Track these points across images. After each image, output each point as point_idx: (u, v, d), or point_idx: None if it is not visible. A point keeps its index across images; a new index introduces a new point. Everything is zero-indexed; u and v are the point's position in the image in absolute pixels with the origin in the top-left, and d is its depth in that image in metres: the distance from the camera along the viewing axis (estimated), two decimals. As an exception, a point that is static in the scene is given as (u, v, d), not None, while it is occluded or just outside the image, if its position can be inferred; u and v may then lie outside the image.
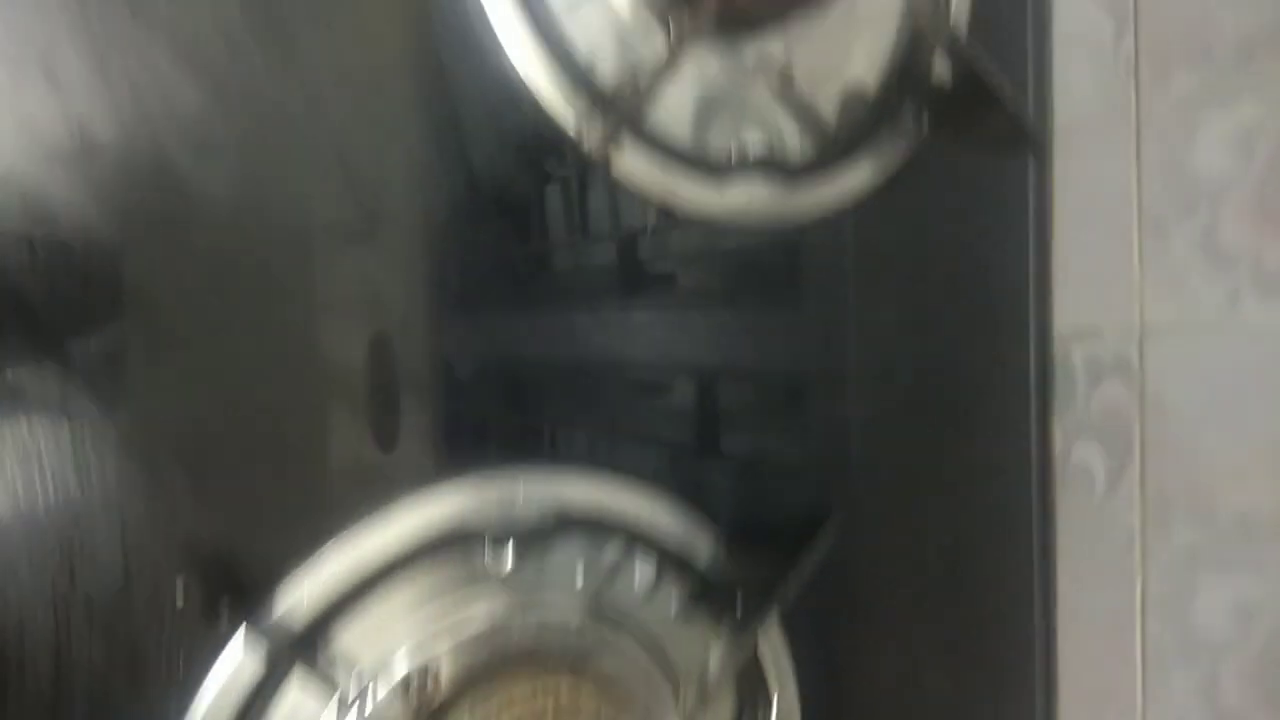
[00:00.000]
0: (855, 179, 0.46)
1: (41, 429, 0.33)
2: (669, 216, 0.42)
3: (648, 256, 0.48)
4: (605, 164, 0.38)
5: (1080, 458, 0.64)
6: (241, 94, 0.37)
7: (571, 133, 0.39)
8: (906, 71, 0.46)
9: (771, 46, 0.45)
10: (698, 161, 0.43)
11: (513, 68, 0.40)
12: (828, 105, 0.47)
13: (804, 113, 0.46)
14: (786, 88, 0.45)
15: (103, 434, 0.34)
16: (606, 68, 0.42)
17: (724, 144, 0.44)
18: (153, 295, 0.35)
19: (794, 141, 0.46)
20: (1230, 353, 0.56)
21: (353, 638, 0.39)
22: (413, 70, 0.41)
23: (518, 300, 0.45)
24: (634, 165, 0.40)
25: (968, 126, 0.45)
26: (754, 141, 0.45)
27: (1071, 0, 0.65)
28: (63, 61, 0.34)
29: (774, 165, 0.44)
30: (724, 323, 0.49)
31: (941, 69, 0.45)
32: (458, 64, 0.41)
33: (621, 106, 0.38)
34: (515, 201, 0.43)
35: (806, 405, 0.52)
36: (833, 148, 0.46)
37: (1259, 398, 0.55)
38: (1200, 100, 0.58)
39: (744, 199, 0.43)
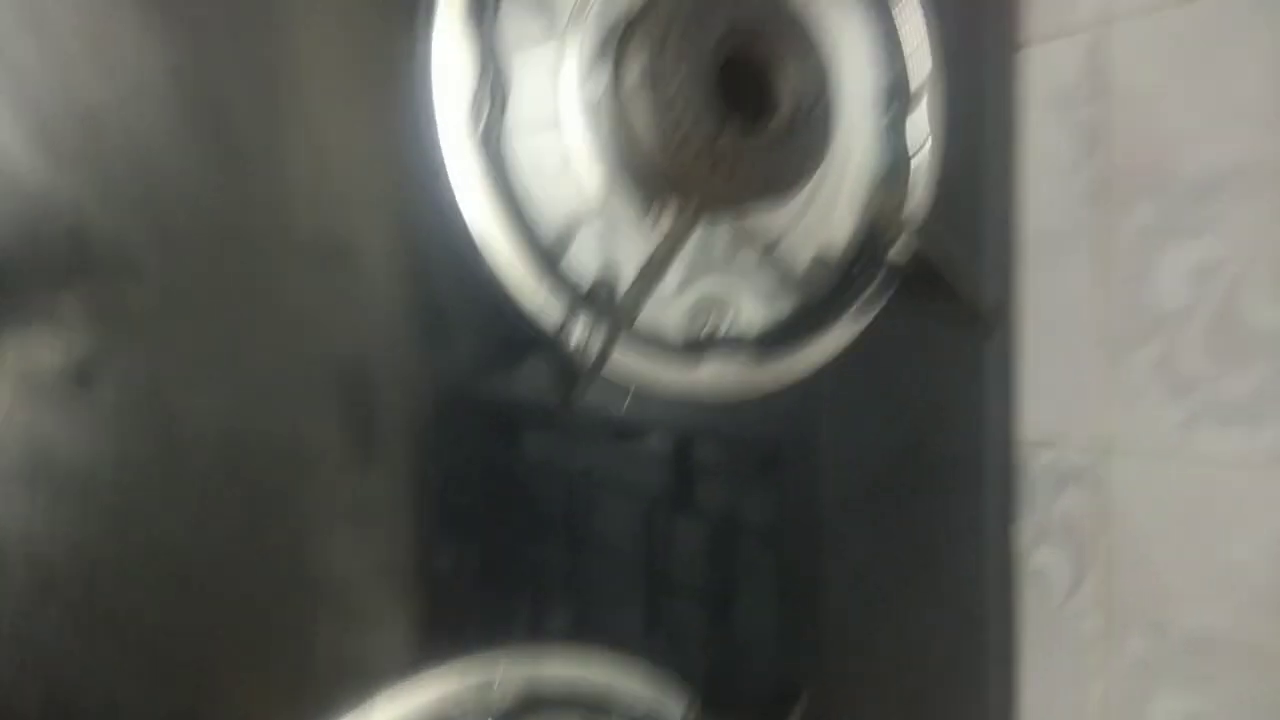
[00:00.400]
0: (825, 347, 0.48)
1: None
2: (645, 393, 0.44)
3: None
4: (599, 367, 0.40)
5: (1042, 563, 0.67)
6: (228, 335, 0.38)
7: (558, 335, 0.41)
8: (870, 246, 0.48)
9: (753, 221, 0.47)
10: (674, 342, 0.45)
11: (494, 269, 0.41)
12: (803, 271, 0.49)
13: (786, 278, 0.48)
14: (769, 255, 0.47)
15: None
16: (584, 257, 0.44)
17: (699, 320, 0.46)
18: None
19: (764, 312, 0.48)
20: (1188, 476, 0.59)
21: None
22: (389, 269, 0.42)
23: (497, 483, 0.46)
24: (617, 357, 0.42)
25: (928, 303, 0.47)
26: (728, 316, 0.47)
27: (1037, 120, 0.67)
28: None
29: (747, 340, 0.46)
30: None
31: (902, 249, 0.47)
32: (436, 261, 0.43)
33: (619, 315, 0.40)
34: (497, 397, 0.45)
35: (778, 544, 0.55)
36: (809, 311, 0.47)
37: (1214, 522, 0.58)
38: (1160, 230, 0.61)
39: (719, 374, 0.45)
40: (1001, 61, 0.68)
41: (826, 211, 0.49)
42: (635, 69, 0.41)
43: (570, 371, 0.39)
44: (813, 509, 0.57)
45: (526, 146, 0.44)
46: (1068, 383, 0.66)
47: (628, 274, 0.43)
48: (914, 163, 0.49)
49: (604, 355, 0.39)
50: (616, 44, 0.43)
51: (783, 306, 0.48)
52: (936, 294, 0.46)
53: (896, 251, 0.47)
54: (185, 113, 0.37)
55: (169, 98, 0.37)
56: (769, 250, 0.47)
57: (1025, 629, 0.67)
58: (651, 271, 0.40)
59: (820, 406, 0.52)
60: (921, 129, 0.50)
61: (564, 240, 0.44)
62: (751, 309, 0.47)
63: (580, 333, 0.40)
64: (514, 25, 0.44)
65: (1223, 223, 0.58)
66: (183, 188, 0.37)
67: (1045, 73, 0.67)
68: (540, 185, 0.44)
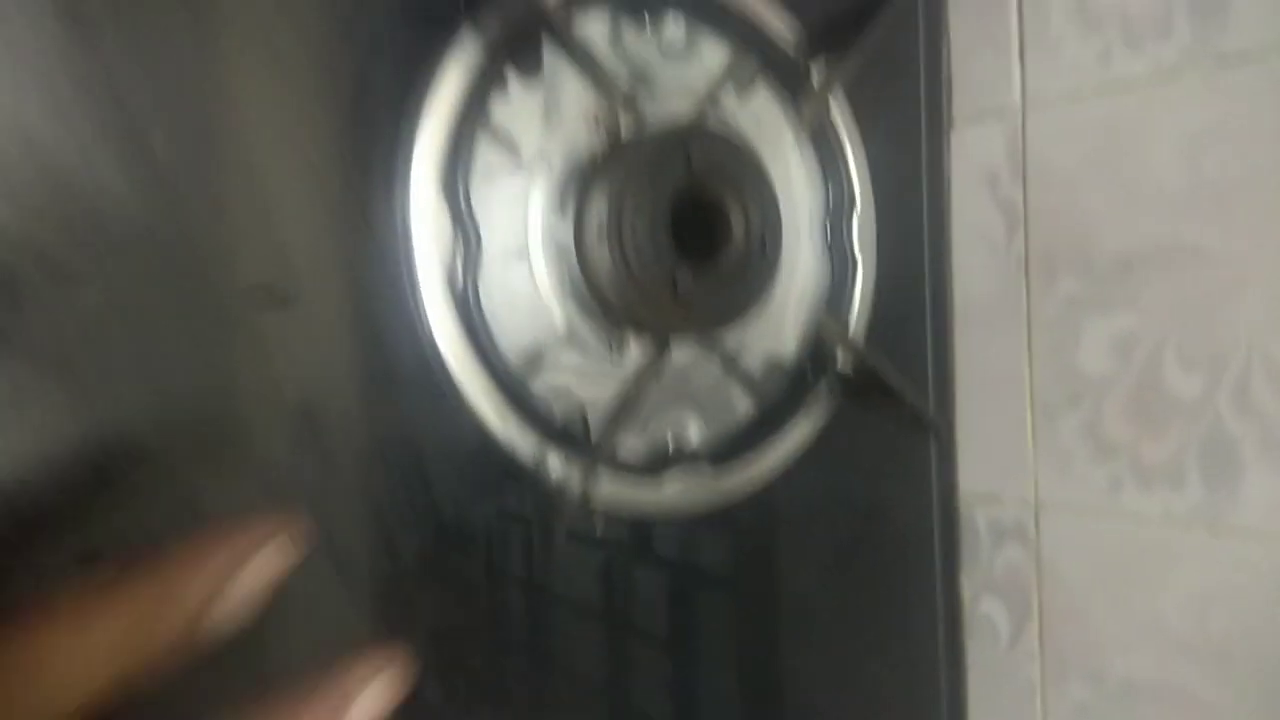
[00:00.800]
0: (781, 452, 0.52)
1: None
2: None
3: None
4: (584, 503, 0.43)
5: (986, 610, 0.71)
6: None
7: (535, 471, 0.44)
8: (818, 355, 0.52)
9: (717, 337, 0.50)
10: (637, 462, 0.49)
11: (467, 402, 0.44)
12: (759, 376, 0.52)
13: (745, 384, 0.52)
14: (730, 366, 0.51)
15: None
16: (553, 385, 0.47)
17: (660, 438, 0.50)
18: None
19: (722, 421, 0.51)
20: (1115, 533, 0.64)
21: None
22: (360, 405, 0.45)
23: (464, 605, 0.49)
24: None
25: (876, 406, 0.51)
26: (688, 430, 0.51)
27: (970, 193, 0.71)
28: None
29: (706, 454, 0.50)
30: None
31: (847, 359, 0.51)
32: (410, 396, 0.45)
33: (597, 454, 0.43)
34: (473, 533, 0.48)
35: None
36: (766, 416, 0.51)
37: (1141, 576, 0.63)
38: (1084, 303, 0.65)
39: (679, 491, 0.49)
40: (933, 140, 0.72)
41: (777, 320, 0.52)
42: (595, 222, 0.44)
43: (549, 507, 0.43)
44: (770, 569, 0.60)
45: (497, 277, 0.47)
46: (1002, 443, 0.70)
47: (596, 401, 0.46)
48: (854, 277, 0.53)
49: (586, 495, 0.42)
50: (577, 191, 0.46)
51: (740, 413, 0.51)
52: (883, 399, 0.50)
53: (842, 362, 0.50)
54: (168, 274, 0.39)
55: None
56: (729, 362, 0.51)
57: (972, 675, 0.71)
58: (623, 410, 0.43)
59: (777, 488, 0.56)
60: (860, 240, 0.54)
61: (533, 367, 0.47)
62: (710, 419, 0.51)
63: (556, 468, 0.44)
64: (485, 159, 0.46)
65: (1141, 298, 0.63)
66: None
67: (974, 152, 0.71)
68: (510, 314, 0.47)
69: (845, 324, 0.53)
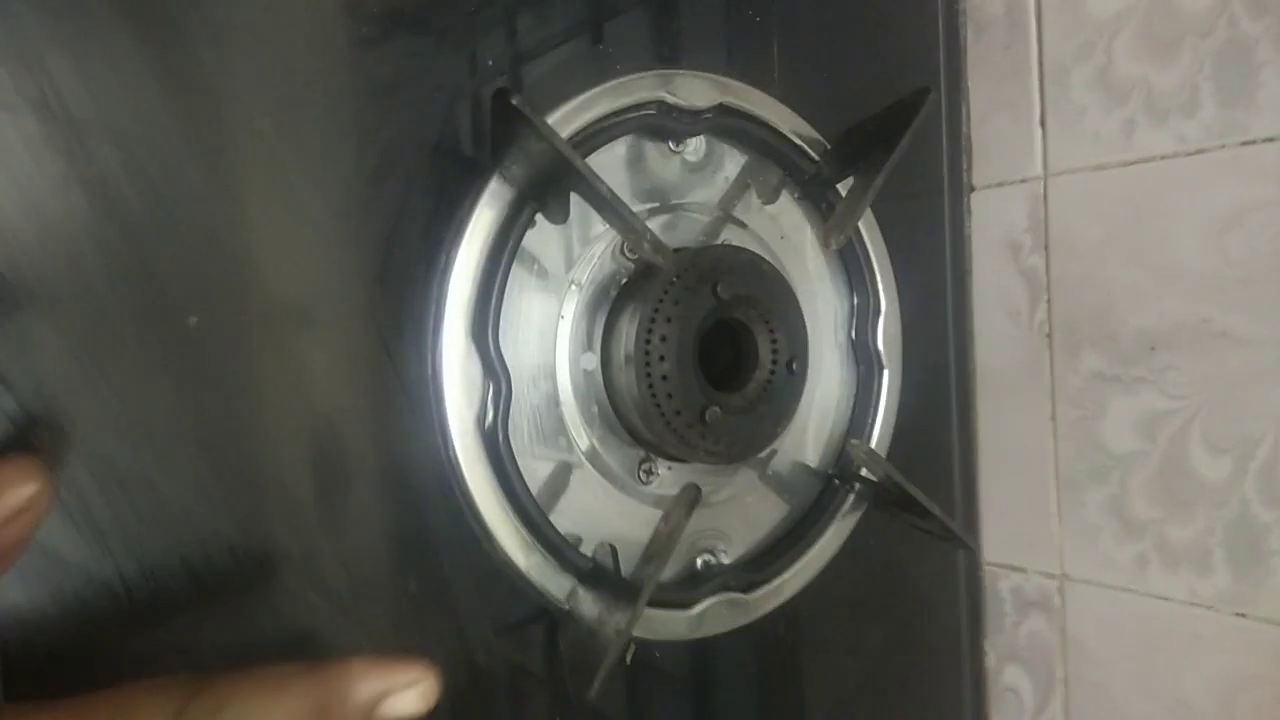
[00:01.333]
0: (812, 562, 0.52)
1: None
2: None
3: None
4: (621, 656, 0.43)
5: (1010, 680, 0.71)
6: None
7: (568, 614, 0.44)
8: (844, 469, 0.52)
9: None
10: (668, 588, 0.49)
11: (499, 544, 0.44)
12: (789, 480, 0.52)
13: (779, 489, 0.51)
14: (764, 473, 0.51)
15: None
16: (578, 510, 0.47)
17: (689, 560, 0.50)
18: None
19: (753, 534, 0.51)
20: (1141, 611, 0.64)
21: None
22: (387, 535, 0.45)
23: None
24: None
25: (903, 515, 0.51)
26: (720, 549, 0.51)
27: (992, 261, 0.71)
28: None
29: (737, 571, 0.50)
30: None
31: (872, 472, 0.51)
32: (443, 545, 0.45)
33: (634, 603, 0.43)
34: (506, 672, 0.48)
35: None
36: (796, 525, 0.51)
37: (1167, 656, 0.63)
38: (1109, 379, 0.65)
39: (710, 611, 0.49)
40: (955, 204, 0.71)
41: (802, 427, 0.52)
42: (621, 352, 0.44)
43: (583, 651, 0.43)
44: (799, 671, 0.60)
45: (525, 404, 0.47)
46: (1027, 514, 0.70)
47: (625, 535, 0.46)
48: (879, 382, 0.52)
49: (625, 644, 0.41)
50: (604, 321, 0.46)
51: (772, 523, 0.51)
52: (910, 509, 0.50)
53: (868, 472, 0.50)
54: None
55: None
56: (764, 465, 0.50)
57: (997, 744, 0.72)
58: (659, 554, 0.43)
59: (806, 594, 0.56)
60: (885, 343, 0.53)
61: (558, 494, 0.47)
62: (741, 535, 0.51)
63: (590, 611, 0.44)
64: (515, 279, 0.46)
65: (1167, 377, 0.62)
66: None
67: (995, 220, 0.71)
68: (536, 441, 0.47)
69: (870, 431, 0.53)
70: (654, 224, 0.49)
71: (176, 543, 0.37)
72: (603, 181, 0.41)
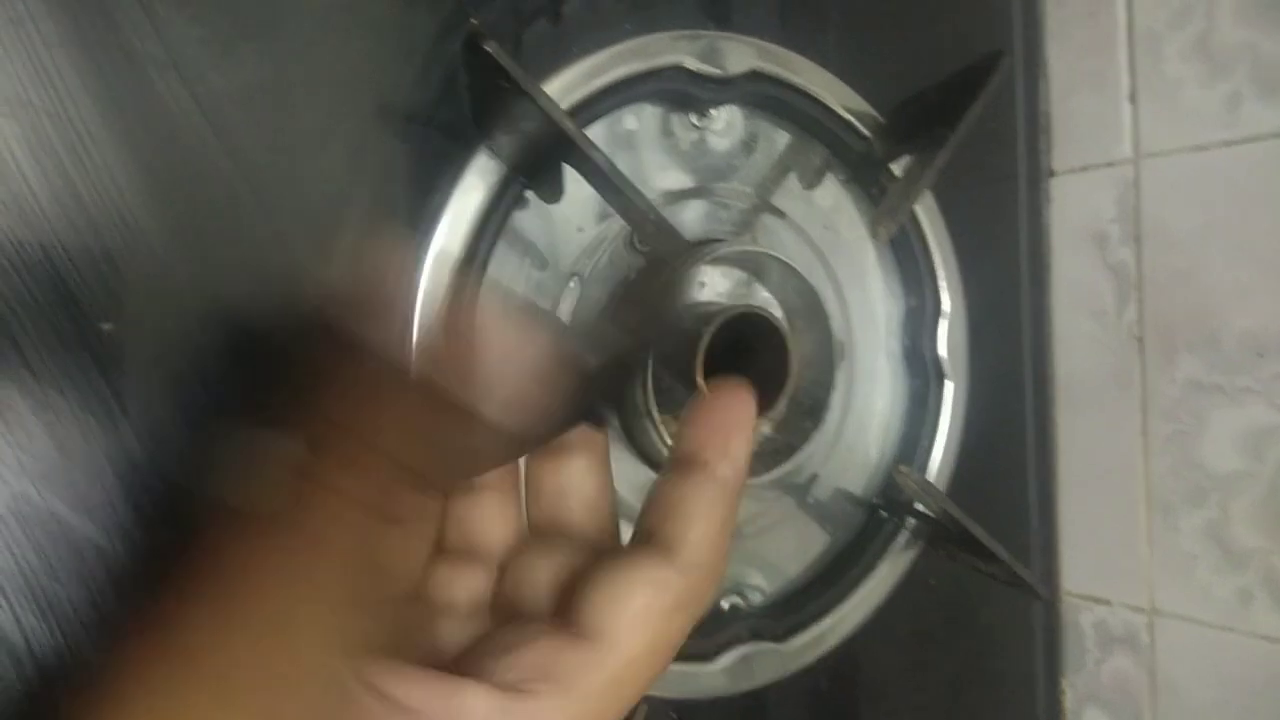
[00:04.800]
0: (860, 601, 0.45)
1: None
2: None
3: None
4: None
5: (1092, 723, 0.64)
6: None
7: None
8: (893, 501, 0.45)
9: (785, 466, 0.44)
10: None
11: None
12: (831, 508, 0.46)
13: (820, 518, 0.45)
14: (803, 498, 0.44)
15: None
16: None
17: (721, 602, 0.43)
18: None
19: (784, 576, 0.45)
20: (1241, 652, 0.56)
21: None
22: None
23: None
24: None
25: (965, 556, 0.44)
26: (750, 587, 0.44)
27: (1074, 253, 0.63)
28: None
29: (770, 614, 0.43)
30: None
31: (928, 505, 0.44)
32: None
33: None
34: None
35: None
36: (836, 563, 0.44)
37: (1271, 705, 0.55)
38: (1208, 388, 0.57)
39: (738, 663, 0.42)
40: (1033, 190, 0.64)
41: (850, 447, 0.45)
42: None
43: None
44: (842, 702, 0.54)
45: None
46: (1112, 538, 0.62)
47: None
48: (939, 395, 0.45)
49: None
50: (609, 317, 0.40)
51: (812, 557, 0.45)
52: (972, 550, 0.43)
53: (921, 505, 0.43)
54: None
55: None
56: (800, 495, 0.44)
57: (1077, 793, 0.64)
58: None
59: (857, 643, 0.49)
60: (949, 351, 0.46)
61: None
62: (775, 570, 0.44)
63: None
64: (505, 267, 0.40)
65: (1278, 387, 0.54)
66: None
67: (1078, 207, 0.63)
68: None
69: (927, 453, 0.45)
70: (682, 213, 0.42)
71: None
72: (598, 149, 0.35)
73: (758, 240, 0.44)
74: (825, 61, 0.47)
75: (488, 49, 0.31)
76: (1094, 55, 0.62)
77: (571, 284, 0.41)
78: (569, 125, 0.33)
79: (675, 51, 0.41)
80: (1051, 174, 0.64)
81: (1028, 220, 0.63)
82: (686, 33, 0.42)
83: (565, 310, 0.41)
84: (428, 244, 0.38)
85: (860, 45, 0.50)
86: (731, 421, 0.30)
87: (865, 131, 0.46)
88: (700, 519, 0.29)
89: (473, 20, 0.34)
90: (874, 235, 0.46)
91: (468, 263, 0.38)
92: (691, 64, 0.41)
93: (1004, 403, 0.59)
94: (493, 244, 0.37)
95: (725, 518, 0.30)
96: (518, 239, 0.39)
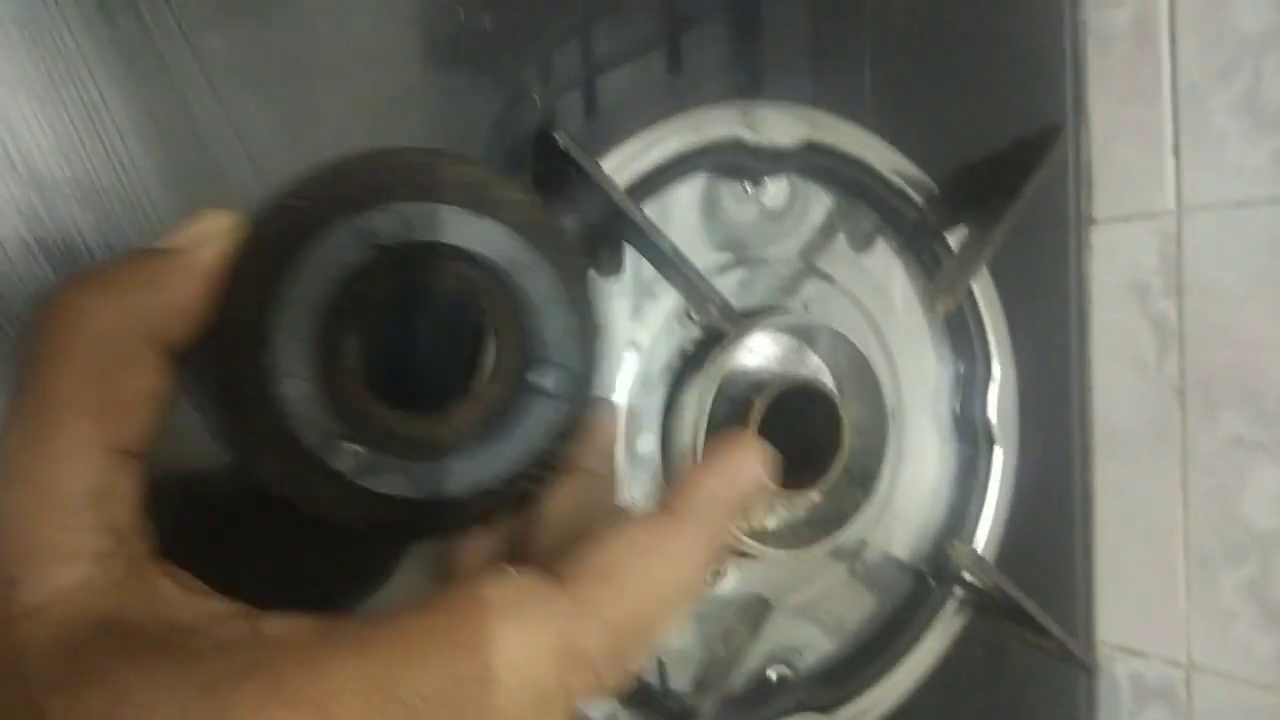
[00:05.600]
0: (908, 671, 0.45)
1: None
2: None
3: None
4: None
5: (1128, 776, 0.63)
6: None
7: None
8: (941, 570, 0.45)
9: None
10: (729, 711, 0.42)
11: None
12: (878, 574, 0.45)
13: (869, 583, 0.45)
14: (853, 566, 0.44)
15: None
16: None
17: (756, 671, 0.43)
18: None
19: (830, 644, 0.45)
20: (1281, 712, 0.56)
21: None
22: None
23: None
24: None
25: (1008, 627, 0.44)
26: (797, 656, 0.44)
27: (1115, 303, 0.63)
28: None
29: (812, 687, 0.43)
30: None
31: (975, 573, 0.44)
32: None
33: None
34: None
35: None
36: (892, 625, 0.44)
37: (1312, 765, 0.55)
38: (1251, 445, 0.56)
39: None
40: (1075, 237, 0.63)
41: (898, 513, 0.45)
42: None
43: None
44: None
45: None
46: (1150, 589, 0.62)
47: (673, 647, 0.40)
48: (988, 461, 0.45)
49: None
50: (669, 387, 0.39)
51: (858, 623, 0.44)
52: (1022, 623, 0.43)
53: (972, 577, 0.43)
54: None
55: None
56: (853, 558, 0.44)
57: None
58: (716, 681, 0.36)
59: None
60: (999, 416, 0.46)
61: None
62: (821, 638, 0.44)
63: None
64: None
65: (1321, 447, 0.54)
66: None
67: (1119, 256, 0.63)
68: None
69: (976, 519, 0.45)
70: (727, 280, 0.42)
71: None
72: (665, 238, 0.35)
73: (808, 306, 0.44)
74: (864, 122, 0.46)
75: (561, 145, 0.31)
76: (1137, 105, 0.62)
77: (629, 353, 0.41)
78: (639, 216, 0.33)
79: (727, 124, 0.41)
80: (1092, 222, 0.64)
81: (1074, 271, 0.62)
82: (736, 104, 0.41)
83: (622, 381, 0.41)
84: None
85: (899, 104, 0.50)
86: (732, 475, 0.27)
87: (918, 199, 0.46)
88: (640, 567, 0.24)
89: (536, 98, 0.34)
90: (930, 309, 0.46)
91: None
92: (749, 137, 0.41)
93: (1051, 464, 0.58)
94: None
95: (671, 578, 0.25)
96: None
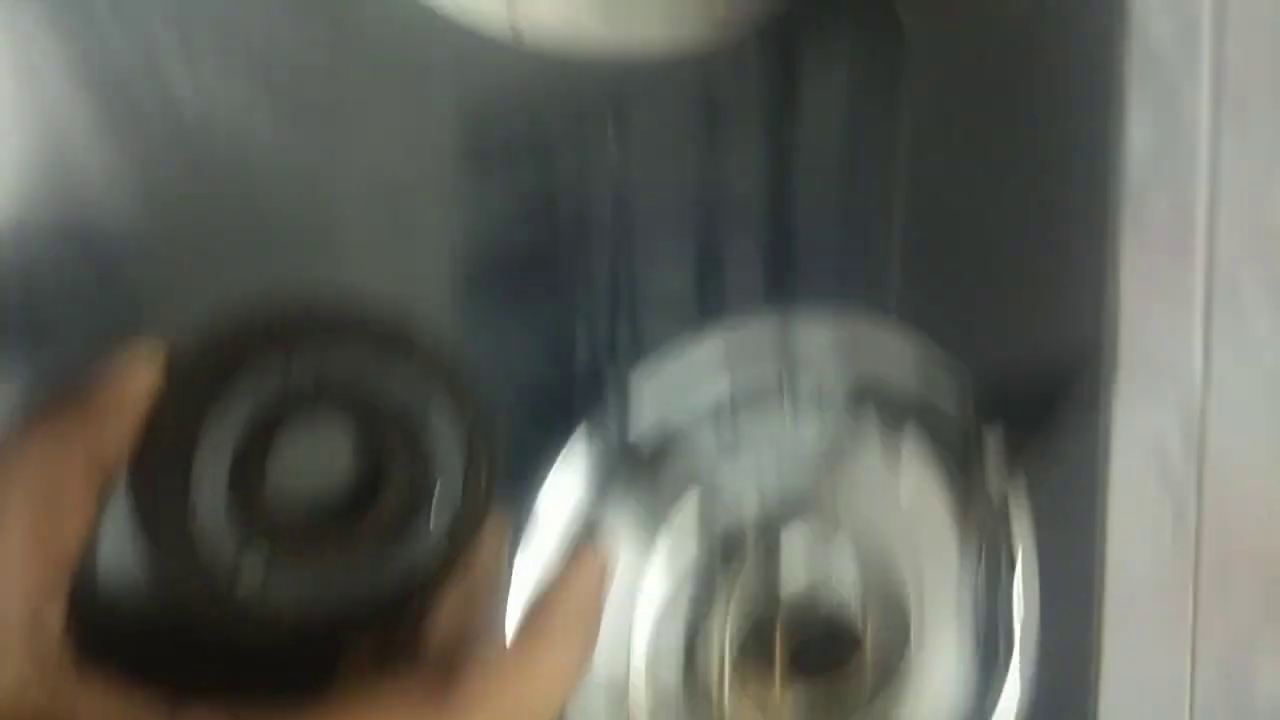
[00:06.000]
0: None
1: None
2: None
3: None
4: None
5: None
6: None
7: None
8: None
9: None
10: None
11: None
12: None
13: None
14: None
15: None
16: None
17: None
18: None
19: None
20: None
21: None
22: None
23: None
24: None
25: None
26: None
27: (1132, 464, 0.62)
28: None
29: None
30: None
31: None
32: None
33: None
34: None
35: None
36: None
37: None
38: (1264, 633, 0.56)
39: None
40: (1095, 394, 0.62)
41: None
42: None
43: None
44: None
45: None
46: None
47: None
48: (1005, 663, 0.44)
49: None
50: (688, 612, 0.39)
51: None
52: None
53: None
54: None
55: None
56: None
57: None
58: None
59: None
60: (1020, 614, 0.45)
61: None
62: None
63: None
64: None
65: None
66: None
67: (1139, 425, 0.62)
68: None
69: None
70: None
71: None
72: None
73: (837, 512, 0.43)
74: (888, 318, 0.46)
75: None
76: (1165, 271, 0.61)
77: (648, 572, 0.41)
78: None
79: (765, 356, 0.40)
80: (1114, 379, 0.63)
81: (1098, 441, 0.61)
82: (769, 326, 0.41)
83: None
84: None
85: (928, 305, 0.49)
86: (592, 589, 0.29)
87: (952, 406, 0.45)
88: (511, 694, 0.27)
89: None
90: (960, 520, 0.45)
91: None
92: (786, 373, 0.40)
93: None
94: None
95: (542, 701, 0.27)
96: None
